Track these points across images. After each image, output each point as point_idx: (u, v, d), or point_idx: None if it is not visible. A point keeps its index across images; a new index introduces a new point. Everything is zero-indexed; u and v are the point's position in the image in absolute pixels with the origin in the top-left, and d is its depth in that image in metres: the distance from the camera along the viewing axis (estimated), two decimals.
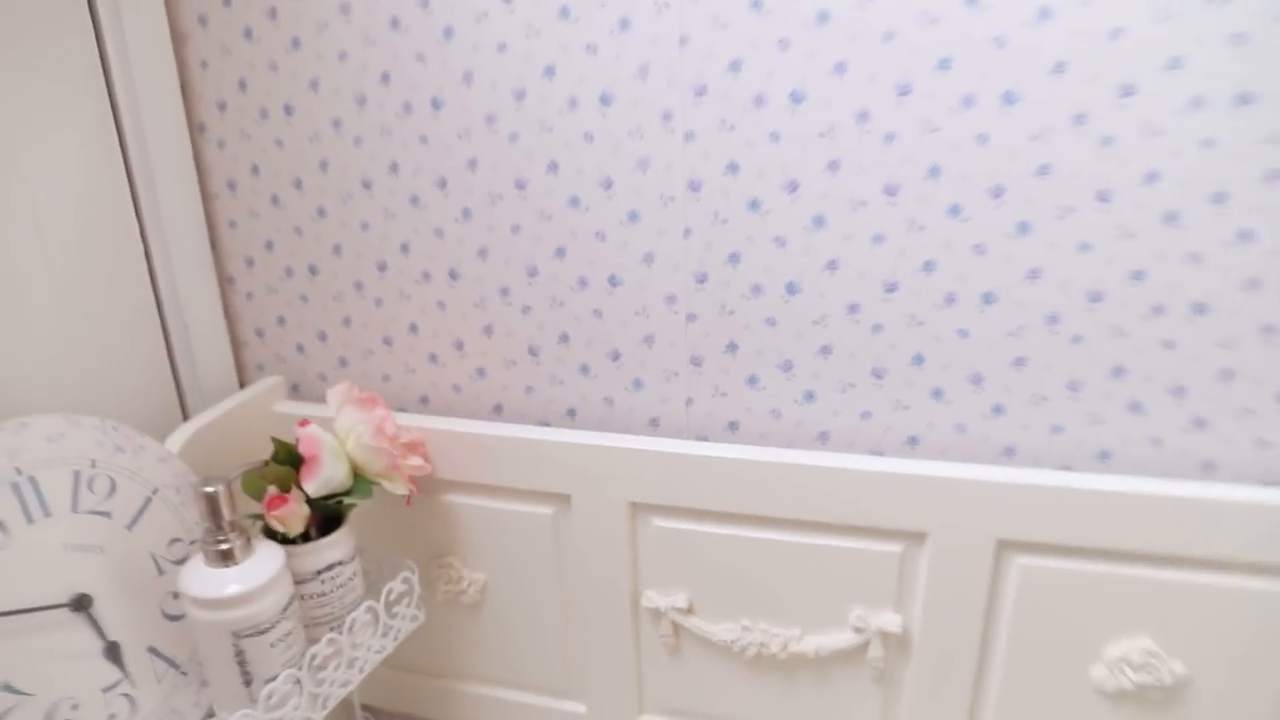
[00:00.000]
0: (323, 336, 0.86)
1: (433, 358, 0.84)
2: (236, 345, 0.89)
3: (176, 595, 0.72)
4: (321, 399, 0.85)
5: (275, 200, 0.83)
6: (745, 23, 0.67)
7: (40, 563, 0.64)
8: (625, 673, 0.85)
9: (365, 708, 0.96)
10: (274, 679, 0.68)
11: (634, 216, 0.74)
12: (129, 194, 0.79)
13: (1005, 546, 0.72)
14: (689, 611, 0.80)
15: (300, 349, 0.88)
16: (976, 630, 0.75)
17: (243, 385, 0.90)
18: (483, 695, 0.92)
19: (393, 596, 0.79)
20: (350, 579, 0.77)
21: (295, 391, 0.90)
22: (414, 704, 0.95)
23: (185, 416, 0.86)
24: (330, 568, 0.75)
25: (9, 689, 0.61)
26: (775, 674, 0.81)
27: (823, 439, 0.77)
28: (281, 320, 0.87)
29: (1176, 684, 0.73)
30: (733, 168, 0.71)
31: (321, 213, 0.82)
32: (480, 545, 0.84)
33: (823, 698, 0.81)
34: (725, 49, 0.68)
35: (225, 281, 0.87)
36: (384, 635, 0.79)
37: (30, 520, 0.64)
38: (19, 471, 0.64)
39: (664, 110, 0.70)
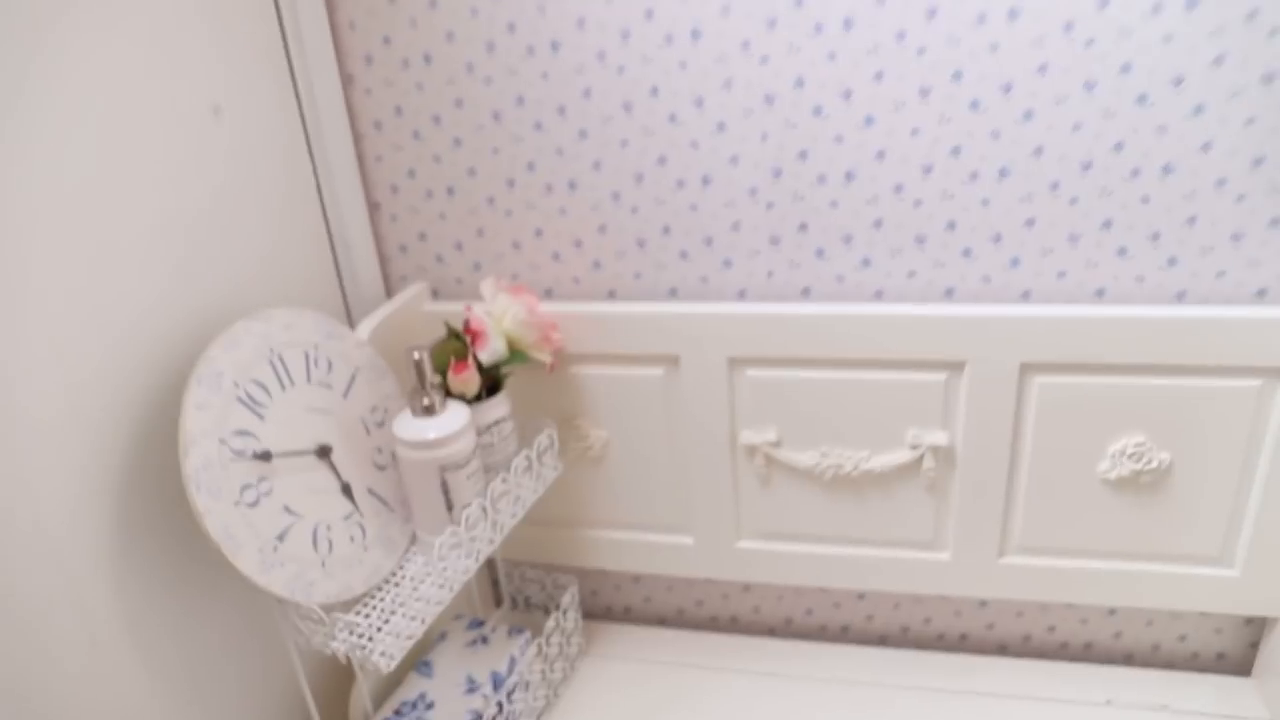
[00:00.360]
0: (459, 246, 1.05)
1: (555, 255, 1.03)
2: (384, 260, 1.08)
3: (380, 450, 0.92)
4: (461, 299, 1.04)
5: (416, 135, 1.01)
6: None
7: (293, 420, 0.83)
8: (725, 505, 1.06)
9: (506, 561, 1.17)
10: (469, 505, 0.88)
11: (721, 127, 0.93)
12: (304, 137, 0.97)
13: (1026, 369, 0.93)
14: (778, 445, 1.01)
15: (439, 259, 1.07)
16: (1007, 439, 0.96)
17: (389, 295, 1.08)
18: (605, 538, 1.13)
19: (540, 448, 0.99)
20: (509, 434, 0.97)
21: (436, 296, 1.09)
22: (547, 554, 1.16)
23: (349, 318, 1.05)
24: (497, 423, 0.94)
25: (288, 510, 0.81)
26: (848, 492, 1.02)
27: (878, 295, 0.97)
28: (423, 236, 1.06)
29: (1163, 468, 0.94)
30: (799, 82, 0.90)
31: (457, 143, 1.00)
32: (603, 407, 1.04)
33: (887, 509, 1.02)
34: None
35: (373, 207, 1.06)
36: (536, 479, 0.99)
37: (283, 388, 0.83)
38: (271, 350, 0.83)
39: (743, 40, 0.89)
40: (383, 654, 0.79)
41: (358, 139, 1.03)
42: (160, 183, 0.80)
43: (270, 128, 0.93)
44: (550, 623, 1.06)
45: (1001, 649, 1.14)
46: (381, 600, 0.86)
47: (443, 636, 1.05)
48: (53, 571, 0.71)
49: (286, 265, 0.96)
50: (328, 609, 0.78)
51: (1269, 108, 0.83)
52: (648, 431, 1.05)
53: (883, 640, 1.17)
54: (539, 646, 1.04)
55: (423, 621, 0.84)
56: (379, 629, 0.81)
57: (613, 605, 1.24)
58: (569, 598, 1.10)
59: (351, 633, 0.78)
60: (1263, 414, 0.90)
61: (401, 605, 0.84)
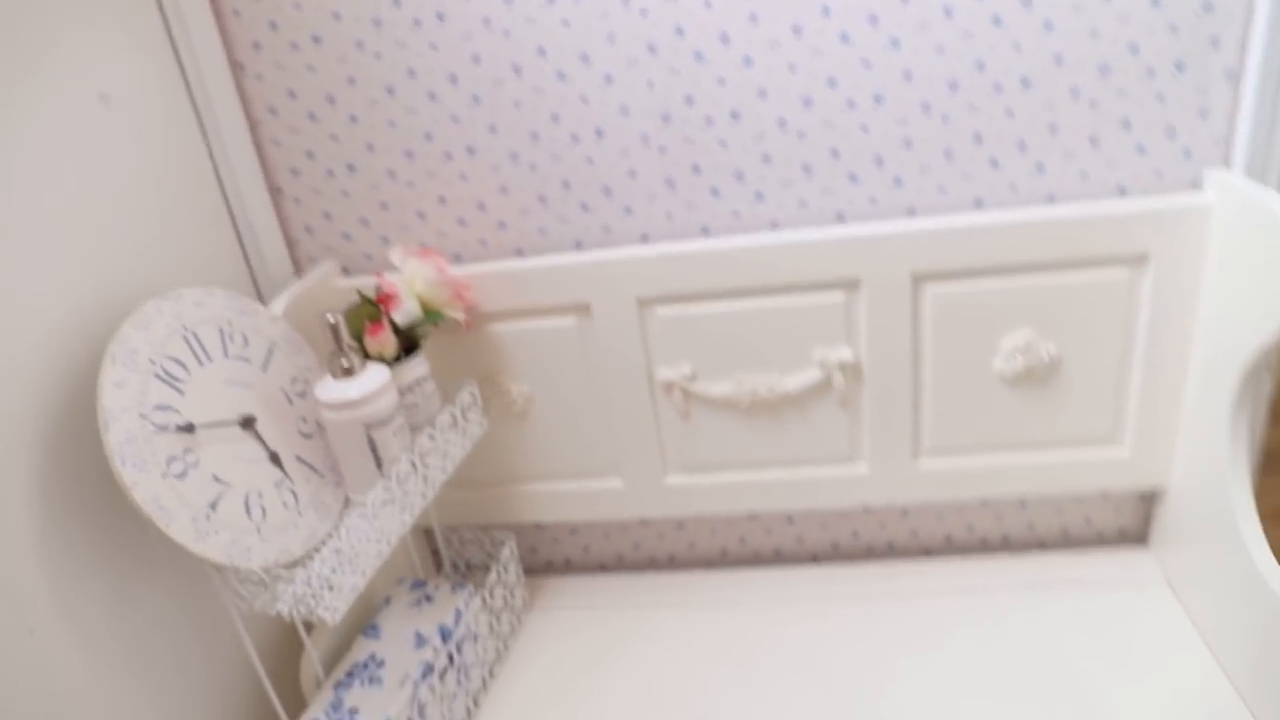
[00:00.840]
0: (365, 222, 1.07)
1: (461, 221, 1.06)
2: (290, 242, 1.10)
3: (304, 419, 0.94)
4: (372, 274, 1.06)
5: (311, 116, 1.03)
6: None
7: (214, 393, 0.85)
8: (649, 444, 1.10)
9: (443, 526, 1.19)
10: (398, 461, 0.91)
11: (609, 79, 0.97)
12: (197, 125, 0.98)
13: (918, 279, 0.99)
14: (693, 378, 1.05)
15: (346, 236, 1.09)
16: (907, 348, 1.02)
17: (299, 275, 1.10)
18: (537, 491, 1.16)
19: (464, 405, 1.02)
20: (432, 393, 0.99)
21: (346, 272, 1.11)
22: (483, 515, 1.19)
23: (260, 299, 1.06)
24: (418, 382, 0.97)
25: (217, 479, 0.82)
26: (765, 417, 1.07)
27: (774, 225, 1.02)
28: (327, 215, 1.08)
29: (1051, 360, 1.01)
30: (679, 30, 0.94)
31: (353, 119, 1.02)
32: (522, 361, 1.08)
33: (804, 429, 1.08)
34: None
35: (274, 191, 1.07)
36: (463, 435, 1.02)
37: (200, 363, 0.85)
38: (185, 327, 0.85)
39: (608, 28, 0.93)
40: (327, 608, 0.82)
41: (253, 125, 1.04)
42: (54, 170, 0.81)
43: (161, 116, 0.94)
44: (492, 576, 1.09)
45: (926, 552, 1.21)
46: (321, 561, 0.88)
47: (387, 601, 1.08)
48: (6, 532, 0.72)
49: (191, 251, 0.97)
50: (267, 573, 0.81)
51: (1108, 18, 0.90)
52: (567, 381, 1.08)
53: (815, 559, 1.23)
54: (483, 599, 1.07)
55: (364, 574, 0.86)
56: (323, 586, 0.83)
57: (552, 559, 1.28)
58: (508, 551, 1.14)
59: (294, 589, 0.80)
60: (1133, 300, 0.98)
61: (341, 563, 0.87)
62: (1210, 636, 0.99)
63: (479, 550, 1.19)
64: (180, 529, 0.77)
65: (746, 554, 1.24)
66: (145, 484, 0.76)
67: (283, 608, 0.81)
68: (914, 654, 1.04)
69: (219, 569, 0.81)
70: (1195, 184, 0.96)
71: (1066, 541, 1.19)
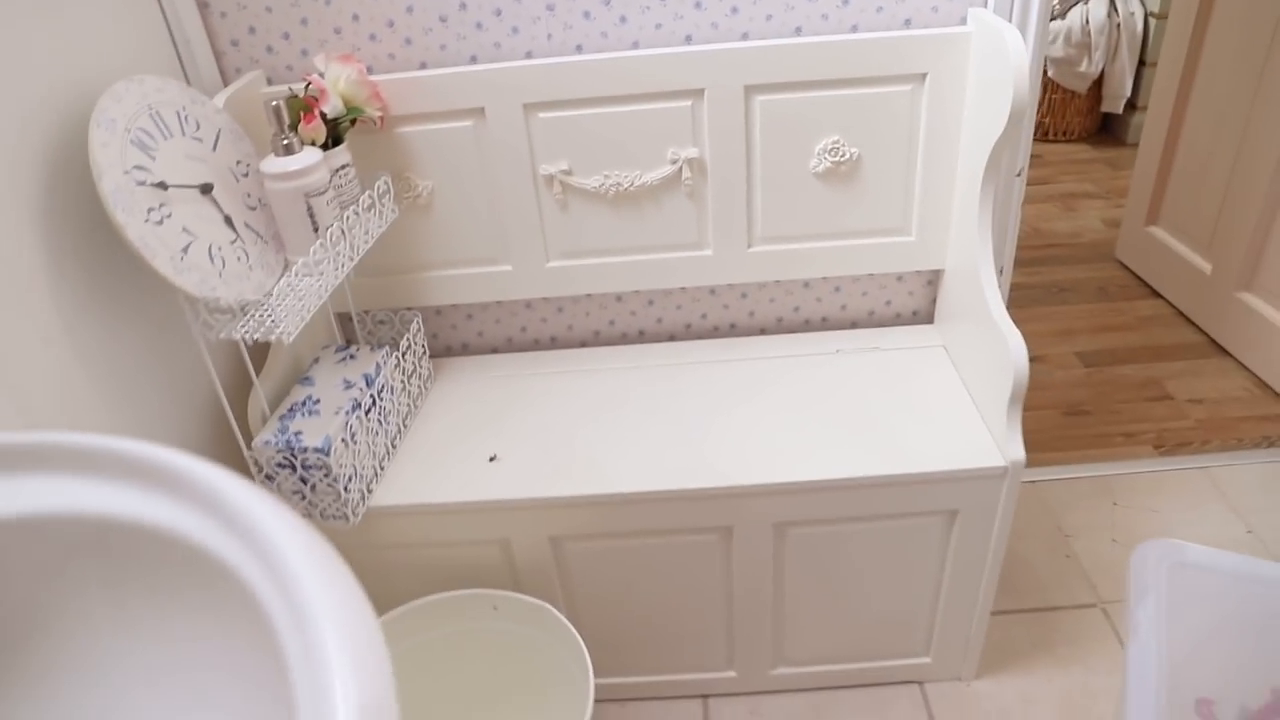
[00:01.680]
0: (286, 36, 1.27)
1: (372, 36, 1.27)
2: (218, 54, 1.29)
3: (249, 195, 1.15)
4: (292, 83, 1.26)
5: None
6: None
7: (177, 162, 1.06)
8: (533, 232, 1.36)
9: (358, 312, 1.43)
10: (330, 226, 1.14)
11: None
12: None
13: (749, 90, 1.26)
14: (570, 173, 1.31)
15: (270, 49, 1.28)
16: (741, 149, 1.30)
17: (226, 85, 1.29)
18: (439, 277, 1.41)
19: (380, 191, 1.26)
20: (353, 179, 1.22)
21: (269, 82, 1.30)
22: (393, 299, 1.43)
23: None
24: (343, 168, 1.20)
25: (186, 230, 1.04)
26: (628, 207, 1.34)
27: (635, 44, 1.28)
28: (252, 29, 1.27)
29: (854, 160, 1.31)
30: None
31: None
32: (426, 159, 1.31)
33: (659, 218, 1.36)
34: None
35: (202, 6, 1.25)
36: (379, 216, 1.26)
37: (164, 136, 1.05)
38: (149, 106, 1.05)
39: None
40: (283, 331, 1.06)
41: None
42: None
43: None
44: (404, 342, 1.35)
45: (762, 331, 1.52)
46: (276, 294, 1.10)
47: (316, 360, 1.32)
48: (5, 284, 0.93)
49: (134, 57, 1.16)
50: (236, 302, 1.04)
51: None
52: (465, 176, 1.33)
53: (672, 337, 1.53)
54: (397, 359, 1.32)
55: (308, 309, 1.10)
56: (278, 315, 1.07)
57: (451, 344, 1.54)
58: (415, 325, 1.39)
59: (254, 317, 1.04)
60: (914, 110, 1.28)
61: (291, 299, 1.10)
62: (965, 377, 1.33)
63: (390, 330, 1.43)
64: (162, 264, 0.99)
65: (615, 335, 1.53)
66: (133, 226, 0.97)
67: (244, 333, 1.05)
68: (745, 400, 1.35)
69: (191, 301, 1.04)
70: (962, 20, 1.26)
71: (872, 321, 1.52)
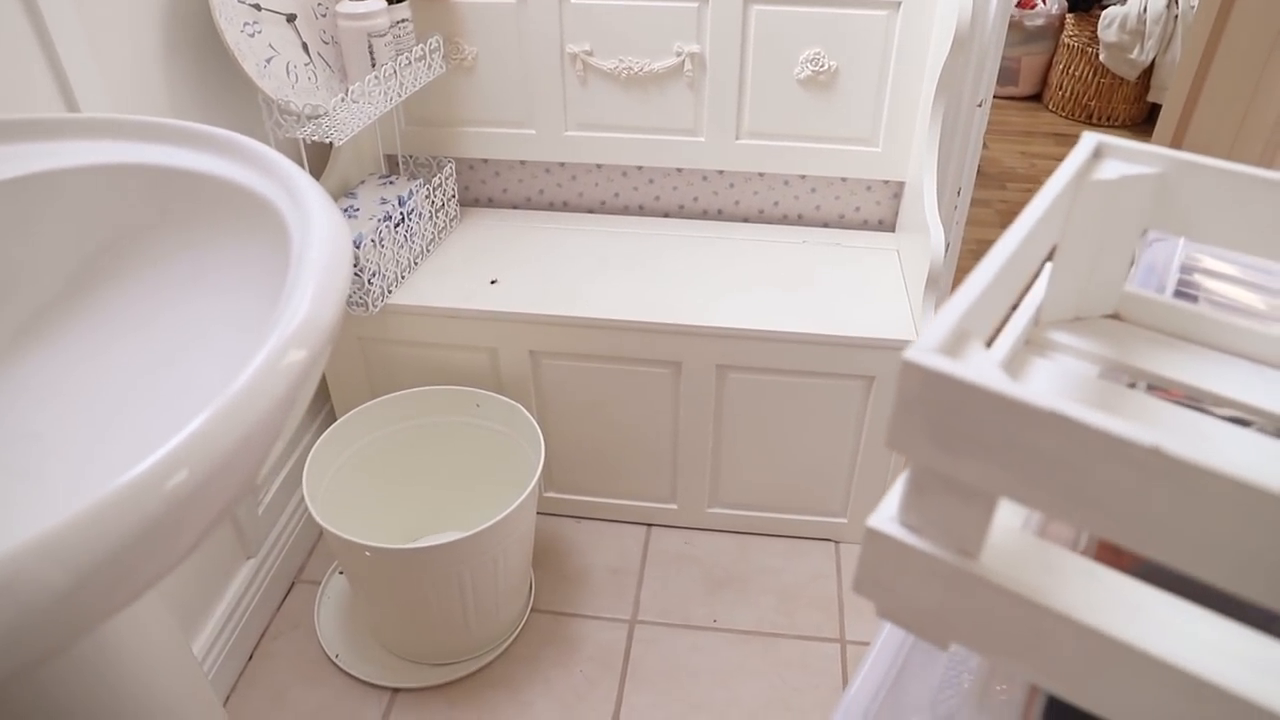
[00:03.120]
0: None
1: None
2: None
3: (324, 32, 1.46)
4: None
5: None
6: None
7: None
8: (556, 102, 1.66)
9: (404, 155, 1.74)
10: (386, 64, 1.44)
11: None
12: None
13: (748, 0, 1.53)
14: (590, 54, 1.60)
15: None
16: (736, 51, 1.57)
17: None
18: (474, 133, 1.72)
19: (430, 47, 1.56)
20: (410, 32, 1.52)
21: None
22: (434, 147, 1.74)
23: None
24: (401, 21, 1.50)
25: (271, 47, 1.35)
26: (636, 90, 1.63)
27: None
28: None
29: (832, 71, 1.57)
30: None
31: None
32: (474, 28, 1.61)
33: (663, 103, 1.64)
34: None
35: None
36: (427, 67, 1.56)
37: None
38: None
39: None
40: (336, 136, 1.36)
41: None
42: None
43: None
44: (436, 179, 1.65)
45: (745, 219, 1.79)
46: (335, 107, 1.41)
47: (362, 182, 1.63)
48: (129, 70, 1.24)
49: None
50: (306, 106, 1.35)
51: None
52: (504, 47, 1.62)
53: (667, 214, 1.81)
54: (428, 191, 1.63)
55: (358, 124, 1.40)
56: (335, 122, 1.37)
57: (479, 197, 1.84)
58: (449, 168, 1.69)
59: (316, 122, 1.35)
60: (889, 34, 1.54)
61: (346, 113, 1.40)
62: (905, 273, 1.59)
63: (427, 170, 1.74)
64: (250, 67, 1.30)
65: (618, 206, 1.81)
66: (231, 33, 1.28)
67: (305, 133, 1.35)
68: (713, 266, 1.64)
69: (268, 101, 1.35)
70: None
71: (842, 224, 1.78)
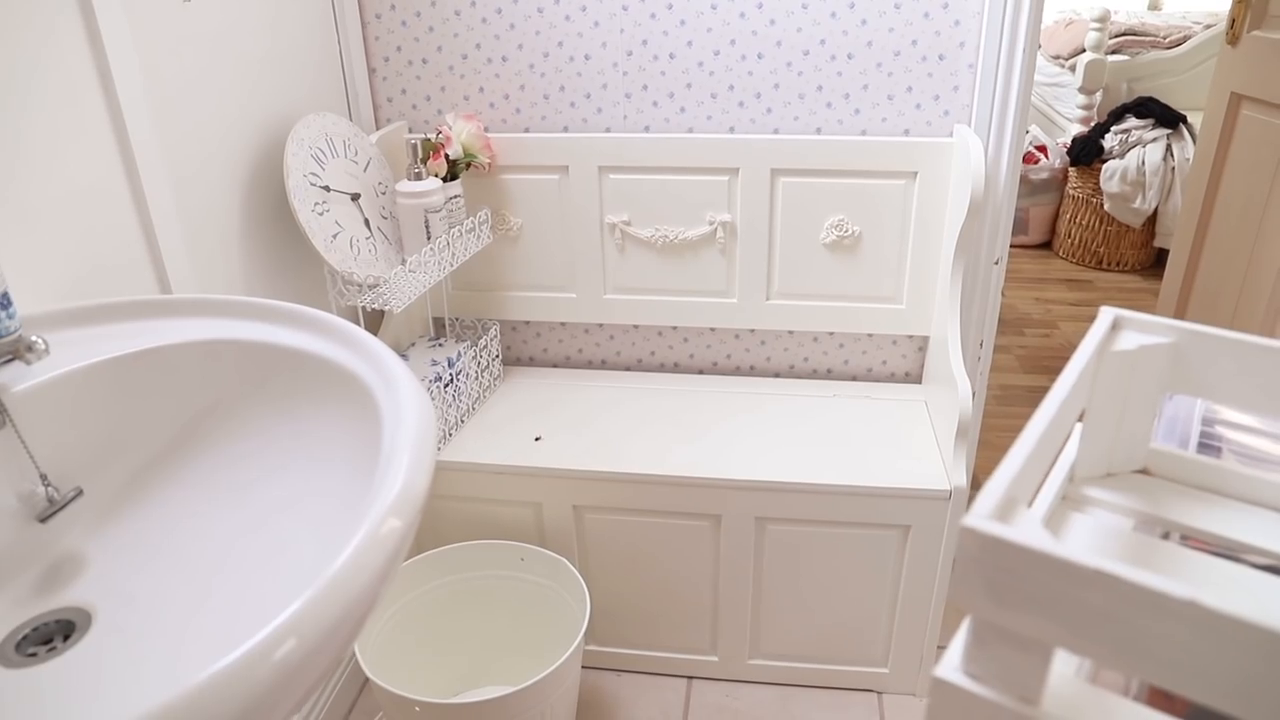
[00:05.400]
0: (428, 98, 1.73)
1: (491, 105, 1.71)
2: (375, 106, 1.74)
3: (384, 209, 1.58)
4: (427, 132, 1.70)
5: (403, 23, 1.68)
6: None
7: (338, 175, 1.50)
8: (595, 268, 1.76)
9: (451, 317, 1.84)
10: (440, 236, 1.55)
11: (595, 24, 1.63)
12: (334, 25, 1.63)
13: (775, 173, 1.65)
14: (629, 223, 1.71)
15: (414, 106, 1.74)
16: (765, 218, 1.68)
17: (378, 128, 1.74)
18: (518, 297, 1.82)
19: (479, 220, 1.67)
20: (461, 207, 1.65)
21: (410, 131, 1.75)
22: (480, 310, 1.84)
23: None
24: (455, 198, 1.62)
25: (338, 224, 1.46)
26: (672, 256, 1.73)
27: (690, 130, 1.68)
28: (403, 91, 1.73)
29: (856, 236, 1.68)
30: None
31: (430, 29, 1.67)
32: (520, 202, 1.73)
33: (696, 268, 1.74)
34: None
35: (371, 71, 1.72)
36: (476, 239, 1.67)
37: (332, 156, 1.49)
38: (325, 133, 1.49)
39: None
40: (394, 305, 1.46)
41: (364, 24, 1.69)
42: (248, 37, 1.45)
43: (317, 13, 1.59)
44: (482, 341, 1.74)
45: (776, 374, 1.87)
46: (394, 277, 1.51)
47: (412, 344, 1.72)
48: (218, 235, 1.36)
49: (320, 102, 1.62)
50: (367, 278, 1.45)
51: (899, 22, 1.56)
52: (547, 217, 1.74)
53: (700, 372, 1.89)
54: (475, 353, 1.72)
55: (414, 293, 1.50)
56: (393, 293, 1.47)
57: (521, 356, 1.93)
58: (494, 331, 1.79)
59: (378, 291, 1.45)
60: (907, 201, 1.64)
61: (403, 283, 1.51)
62: (934, 424, 1.65)
63: (473, 333, 1.83)
64: (318, 242, 1.41)
65: (654, 364, 1.90)
66: (303, 212, 1.40)
67: (365, 302, 1.45)
68: (748, 420, 1.70)
69: (333, 273, 1.45)
70: (949, 133, 1.63)
71: (870, 377, 1.85)
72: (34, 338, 0.87)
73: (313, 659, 0.57)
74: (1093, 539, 0.66)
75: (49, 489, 0.83)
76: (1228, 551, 0.68)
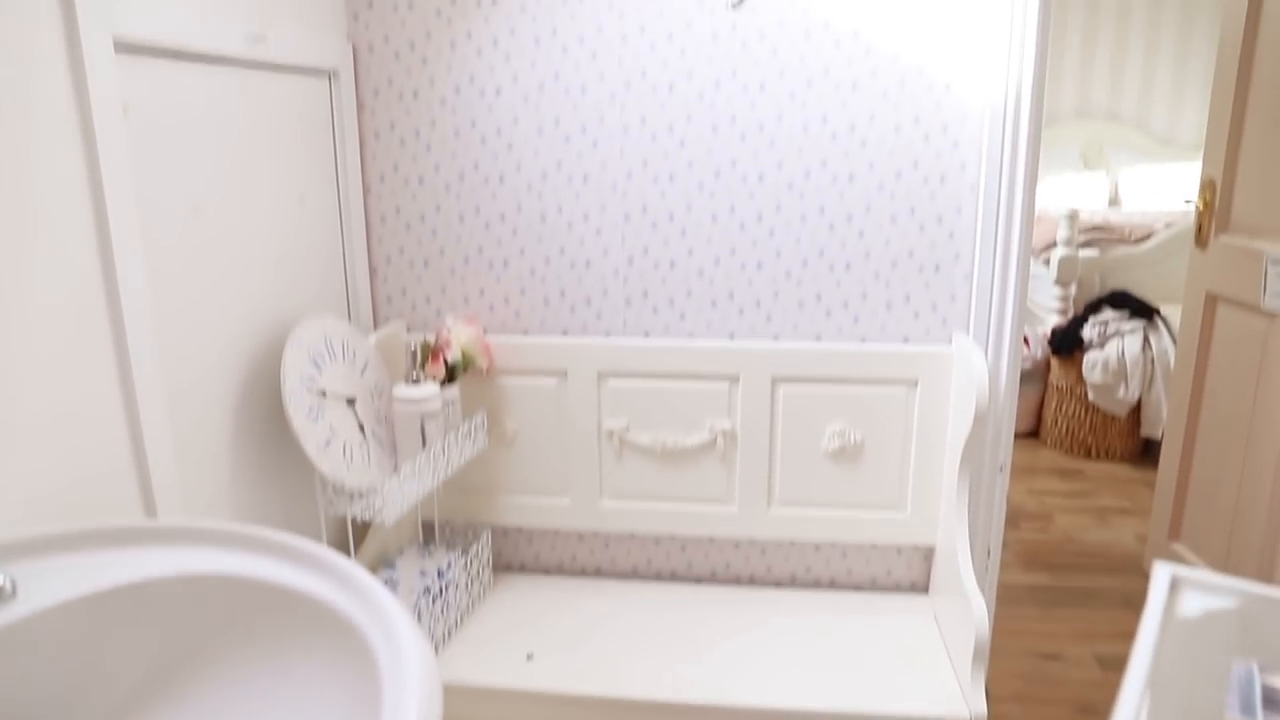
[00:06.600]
0: (428, 299, 1.72)
1: (491, 307, 1.71)
2: (375, 305, 1.74)
3: (378, 413, 1.54)
4: (426, 332, 1.69)
5: (407, 227, 1.69)
6: None
7: (335, 378, 1.46)
8: (592, 473, 1.71)
9: (441, 521, 1.77)
10: (435, 444, 1.51)
11: (598, 232, 1.65)
12: (339, 230, 1.64)
13: (776, 380, 1.64)
14: (627, 429, 1.68)
15: (413, 307, 1.73)
16: (766, 425, 1.65)
17: (377, 328, 1.73)
18: (512, 501, 1.76)
19: (475, 425, 1.64)
20: (458, 411, 1.61)
21: (409, 329, 1.74)
22: (472, 514, 1.78)
23: None
24: (451, 402, 1.59)
25: (331, 429, 1.42)
26: (670, 463, 1.69)
27: (690, 335, 1.68)
28: (404, 291, 1.73)
29: (858, 443, 1.65)
30: (644, 208, 1.63)
31: (433, 233, 1.69)
32: (516, 405, 1.70)
33: (695, 475, 1.70)
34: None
35: (373, 271, 1.72)
36: (472, 443, 1.63)
37: (330, 359, 1.47)
38: (325, 336, 1.47)
39: (611, 182, 1.62)
40: (385, 517, 1.40)
41: (369, 229, 1.71)
42: (267, 244, 1.45)
43: (325, 216, 1.60)
44: (473, 548, 1.67)
45: (777, 584, 1.80)
46: (386, 487, 1.46)
47: (401, 551, 1.65)
48: (208, 442, 1.31)
49: (322, 302, 1.61)
50: (358, 487, 1.40)
51: (895, 235, 1.59)
52: (544, 423, 1.71)
53: (699, 580, 1.81)
54: (465, 562, 1.64)
55: (407, 503, 1.44)
56: (385, 501, 1.42)
57: (512, 561, 1.85)
58: (484, 538, 1.72)
59: (368, 500, 1.39)
60: (908, 408, 1.63)
61: (396, 492, 1.45)
62: (946, 641, 1.58)
63: (463, 539, 1.76)
64: (311, 449, 1.37)
65: (651, 572, 1.82)
66: (297, 418, 1.36)
67: (356, 512, 1.39)
68: (750, 639, 1.62)
69: (324, 481, 1.40)
70: (947, 340, 1.63)
71: (874, 586, 1.78)
72: (1, 580, 0.80)
73: None
74: None
75: None
76: None
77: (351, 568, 0.87)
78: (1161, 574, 0.69)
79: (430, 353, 1.57)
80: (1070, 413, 3.59)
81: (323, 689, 0.81)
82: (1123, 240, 3.94)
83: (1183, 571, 0.69)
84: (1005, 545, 2.95)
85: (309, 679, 0.83)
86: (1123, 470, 3.50)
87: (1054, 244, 3.85)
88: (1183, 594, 0.67)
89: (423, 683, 0.71)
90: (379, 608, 0.81)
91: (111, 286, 1.08)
